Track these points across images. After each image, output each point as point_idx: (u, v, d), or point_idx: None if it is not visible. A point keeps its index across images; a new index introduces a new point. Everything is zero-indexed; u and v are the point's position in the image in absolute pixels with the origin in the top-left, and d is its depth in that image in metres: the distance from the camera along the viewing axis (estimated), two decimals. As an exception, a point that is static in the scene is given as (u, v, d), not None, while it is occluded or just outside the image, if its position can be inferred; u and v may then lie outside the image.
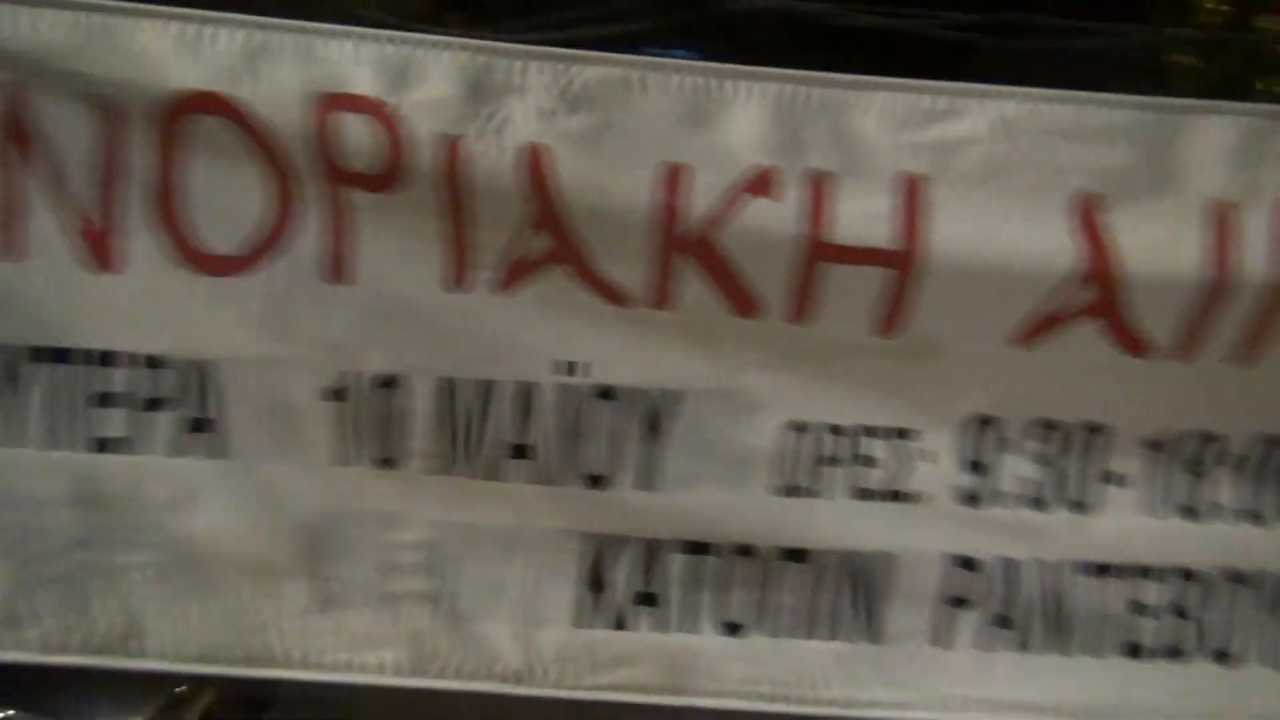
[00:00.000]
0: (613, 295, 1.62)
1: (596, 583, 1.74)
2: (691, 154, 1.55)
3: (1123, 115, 1.57)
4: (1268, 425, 1.70)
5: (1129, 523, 1.74)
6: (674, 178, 1.54)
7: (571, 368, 1.66)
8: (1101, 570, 1.75)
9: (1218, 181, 1.57)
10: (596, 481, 1.69)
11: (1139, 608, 1.76)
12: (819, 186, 1.55)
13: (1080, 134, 1.56)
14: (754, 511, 1.72)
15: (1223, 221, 1.56)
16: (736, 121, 1.56)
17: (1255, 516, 1.74)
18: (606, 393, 1.67)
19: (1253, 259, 1.55)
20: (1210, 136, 1.57)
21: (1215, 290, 1.56)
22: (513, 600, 1.74)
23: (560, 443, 1.68)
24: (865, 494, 1.72)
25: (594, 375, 1.67)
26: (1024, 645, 1.76)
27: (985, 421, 1.71)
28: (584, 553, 1.73)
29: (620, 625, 1.75)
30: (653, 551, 1.73)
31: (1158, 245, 1.56)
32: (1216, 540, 1.75)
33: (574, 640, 1.75)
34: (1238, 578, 1.76)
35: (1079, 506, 1.74)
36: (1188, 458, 1.73)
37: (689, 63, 1.58)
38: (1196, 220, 1.56)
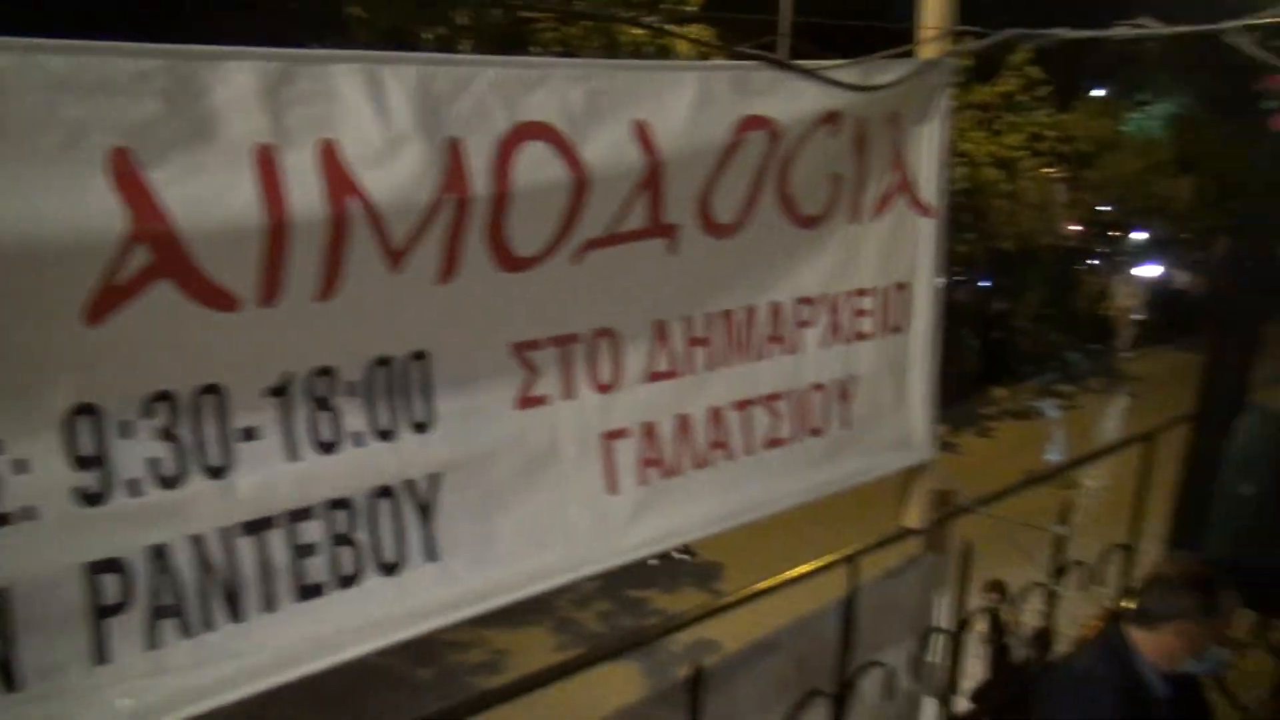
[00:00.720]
0: None
1: None
2: None
3: (134, 64, 1.47)
4: (369, 349, 1.83)
5: (273, 473, 1.75)
6: None
7: None
8: (257, 526, 1.74)
9: (256, 126, 1.57)
10: None
11: (304, 550, 1.79)
12: None
13: (92, 87, 1.43)
14: None
15: (269, 165, 1.58)
16: None
17: (384, 434, 1.87)
18: None
19: (305, 199, 1.60)
20: (237, 82, 1.56)
21: (276, 233, 1.58)
22: None
23: None
24: None
25: None
26: (193, 628, 1.67)
27: (85, 411, 1.55)
28: None
29: None
30: None
31: (210, 196, 1.53)
32: (358, 465, 1.84)
33: None
34: (384, 493, 1.89)
35: (217, 472, 1.69)
36: (312, 396, 1.78)
37: None
38: (244, 166, 1.56)
